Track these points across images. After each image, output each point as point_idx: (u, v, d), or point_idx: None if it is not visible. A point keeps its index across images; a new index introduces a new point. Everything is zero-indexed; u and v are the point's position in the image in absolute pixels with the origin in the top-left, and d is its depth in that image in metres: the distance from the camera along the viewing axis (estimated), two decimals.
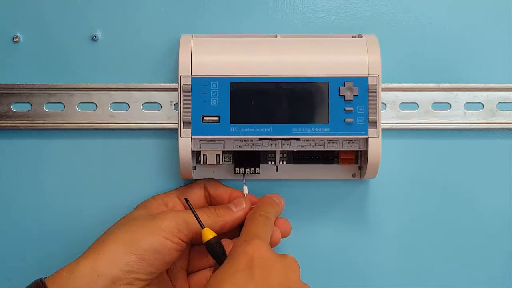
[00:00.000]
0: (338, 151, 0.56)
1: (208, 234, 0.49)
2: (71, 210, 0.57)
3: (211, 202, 0.56)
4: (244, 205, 0.52)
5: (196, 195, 0.55)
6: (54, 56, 0.57)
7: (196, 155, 0.55)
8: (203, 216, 0.51)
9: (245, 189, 0.54)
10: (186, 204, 0.54)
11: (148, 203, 0.55)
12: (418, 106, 0.57)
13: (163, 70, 0.57)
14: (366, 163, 0.54)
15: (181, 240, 0.49)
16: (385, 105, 0.57)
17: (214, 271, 0.48)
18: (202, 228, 0.49)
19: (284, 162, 0.56)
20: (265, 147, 0.54)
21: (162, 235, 0.48)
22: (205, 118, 0.52)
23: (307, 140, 0.54)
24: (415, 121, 0.57)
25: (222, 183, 0.56)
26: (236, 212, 0.52)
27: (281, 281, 0.45)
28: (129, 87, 0.56)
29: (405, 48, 0.58)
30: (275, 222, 0.52)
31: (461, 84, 0.57)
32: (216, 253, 0.48)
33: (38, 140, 0.57)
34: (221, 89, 0.52)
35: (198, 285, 0.54)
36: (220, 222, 0.51)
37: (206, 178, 0.56)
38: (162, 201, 0.55)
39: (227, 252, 0.48)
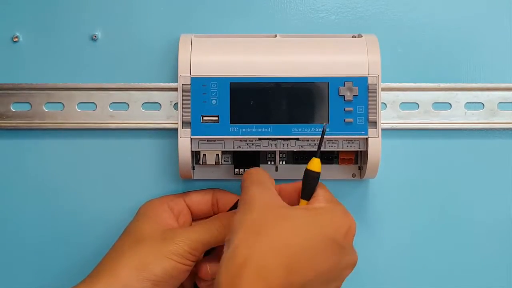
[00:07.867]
0: (338, 151, 0.56)
1: (315, 166, 0.48)
2: (71, 210, 0.57)
3: (218, 208, 0.55)
4: None
5: (201, 198, 0.55)
6: (54, 56, 0.57)
7: (196, 155, 0.55)
8: (204, 227, 0.50)
9: None
10: (192, 208, 0.54)
11: (153, 210, 0.53)
12: (418, 106, 0.57)
13: (163, 70, 0.57)
14: (366, 163, 0.54)
15: (193, 261, 0.49)
16: (385, 105, 0.57)
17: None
18: (317, 157, 0.48)
19: (284, 162, 0.56)
20: (264, 147, 0.54)
21: (175, 259, 0.48)
22: (204, 118, 0.52)
23: (306, 140, 0.54)
24: (415, 121, 0.57)
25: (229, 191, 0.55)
26: None
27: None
28: (129, 87, 0.56)
29: (405, 48, 0.57)
30: None
31: (461, 84, 0.57)
32: (307, 184, 0.48)
33: (38, 140, 0.57)
34: (220, 89, 0.52)
35: None
36: (215, 240, 0.50)
37: (208, 181, 0.56)
38: (168, 207, 0.53)
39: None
